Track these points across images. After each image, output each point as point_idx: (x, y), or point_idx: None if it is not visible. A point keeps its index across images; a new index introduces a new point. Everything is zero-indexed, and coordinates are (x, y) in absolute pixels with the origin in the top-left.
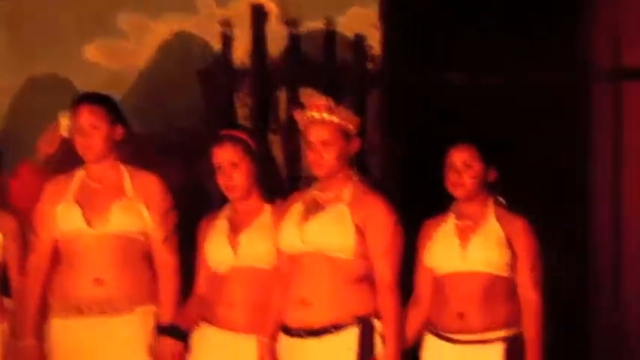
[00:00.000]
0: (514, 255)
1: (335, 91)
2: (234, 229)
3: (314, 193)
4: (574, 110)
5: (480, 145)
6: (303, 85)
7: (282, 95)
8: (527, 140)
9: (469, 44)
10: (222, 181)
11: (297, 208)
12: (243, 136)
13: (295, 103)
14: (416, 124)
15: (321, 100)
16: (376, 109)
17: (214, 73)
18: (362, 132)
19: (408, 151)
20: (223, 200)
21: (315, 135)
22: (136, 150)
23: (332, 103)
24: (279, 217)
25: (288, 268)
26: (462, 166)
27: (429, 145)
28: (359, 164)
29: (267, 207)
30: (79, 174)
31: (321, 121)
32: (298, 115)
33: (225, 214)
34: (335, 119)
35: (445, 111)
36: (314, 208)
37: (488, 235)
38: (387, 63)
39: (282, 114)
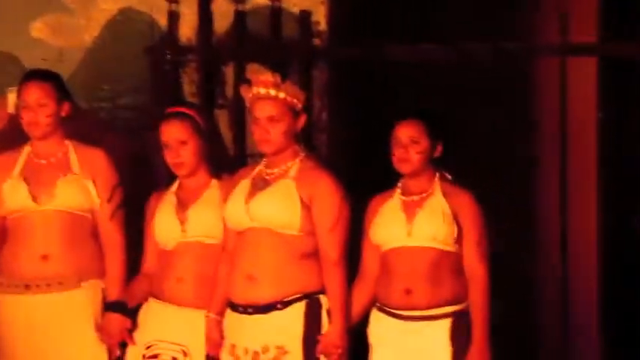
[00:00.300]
0: (460, 229)
1: (281, 67)
2: (182, 204)
3: (261, 169)
4: (520, 84)
5: (426, 121)
6: (249, 62)
7: (229, 71)
8: (473, 115)
9: (416, 18)
10: (169, 158)
11: (244, 184)
12: (191, 112)
13: (242, 79)
14: (362, 100)
15: (268, 76)
16: (322, 85)
17: (161, 50)
18: (308, 108)
19: (355, 127)
20: (170, 176)
21: (262, 111)
22: (82, 126)
23: (279, 79)
24: (226, 192)
25: (234, 244)
26: (408, 141)
27: (376, 120)
28: (305, 140)
29: (214, 182)
30: (25, 150)
31: (268, 96)
32: (245, 91)
33: (172, 190)
34: (281, 95)
35: (391, 86)
36: (261, 184)
37: (434, 210)
38: (332, 38)
39: (229, 90)
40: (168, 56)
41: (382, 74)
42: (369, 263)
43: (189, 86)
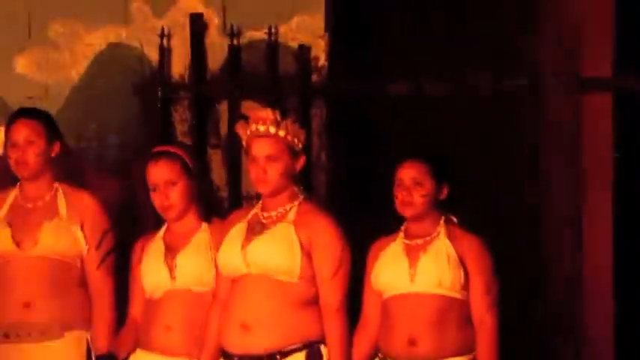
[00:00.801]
0: (467, 275)
1: (278, 104)
2: (171, 250)
3: (257, 212)
4: (527, 119)
5: (430, 161)
6: (244, 99)
7: (223, 109)
8: (479, 153)
9: (416, 55)
10: (157, 200)
11: (239, 228)
12: (180, 152)
13: (237, 116)
14: (362, 138)
15: (268, 113)
16: (321, 123)
17: (151, 87)
18: (307, 147)
19: (355, 166)
20: (158, 220)
21: (260, 149)
22: (70, 166)
23: (278, 116)
24: (218, 237)
25: (227, 291)
26: (412, 183)
27: (377, 159)
28: (304, 180)
29: (205, 226)
30: (13, 192)
31: (267, 134)
32: (241, 129)
33: (160, 235)
34: (281, 133)
35: (391, 124)
36: (257, 228)
37: (439, 254)
38: (332, 74)
39: (223, 129)
40: (159, 93)
41: (383, 111)
42: (371, 311)
43: (181, 125)
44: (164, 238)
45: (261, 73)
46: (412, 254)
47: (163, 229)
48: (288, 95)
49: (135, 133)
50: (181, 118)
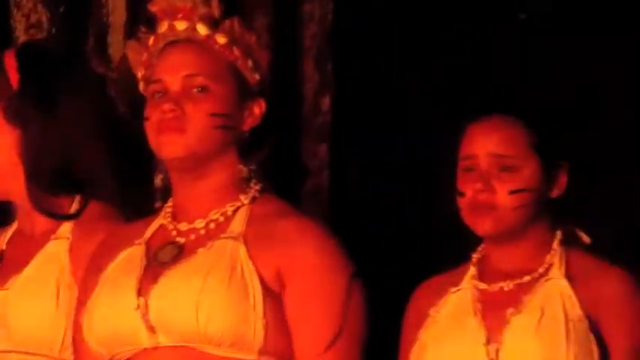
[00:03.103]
0: (605, 350)
1: None
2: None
3: (165, 223)
4: None
5: (533, 120)
6: None
7: None
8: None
9: None
10: None
11: (129, 257)
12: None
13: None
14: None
15: None
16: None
17: None
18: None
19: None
20: None
21: (175, 66)
22: None
23: (215, 6)
24: (86, 262)
25: None
26: (494, 165)
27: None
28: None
29: (64, 228)
30: None
31: (190, 39)
32: (135, 47)
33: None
34: (220, 39)
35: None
36: (167, 253)
37: (548, 317)
38: None
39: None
40: None
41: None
42: None
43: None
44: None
45: None
46: (493, 315)
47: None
48: None
49: None
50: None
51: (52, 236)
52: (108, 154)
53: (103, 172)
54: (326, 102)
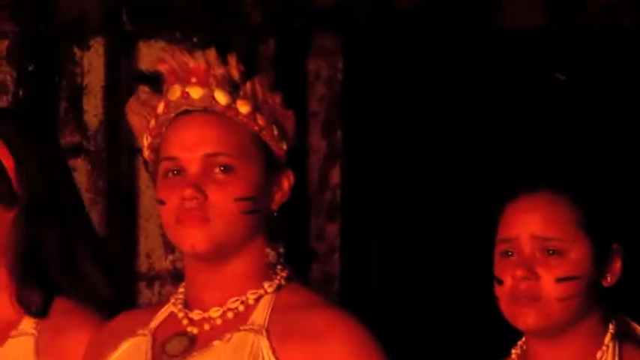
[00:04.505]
0: None
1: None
2: None
3: (175, 311)
4: None
5: (581, 195)
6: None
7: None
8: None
9: None
10: None
11: (132, 349)
12: None
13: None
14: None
15: (206, 58)
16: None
17: None
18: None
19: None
20: None
21: (191, 144)
22: None
23: (234, 69)
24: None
25: None
26: (539, 249)
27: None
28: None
29: (27, 324)
30: None
31: (207, 108)
32: (139, 104)
33: None
34: (242, 108)
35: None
36: (177, 346)
37: None
38: None
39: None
40: None
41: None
42: None
43: None
44: None
45: None
46: None
47: None
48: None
49: None
50: None
51: (14, 332)
52: (68, 244)
53: (62, 265)
54: (335, 175)
